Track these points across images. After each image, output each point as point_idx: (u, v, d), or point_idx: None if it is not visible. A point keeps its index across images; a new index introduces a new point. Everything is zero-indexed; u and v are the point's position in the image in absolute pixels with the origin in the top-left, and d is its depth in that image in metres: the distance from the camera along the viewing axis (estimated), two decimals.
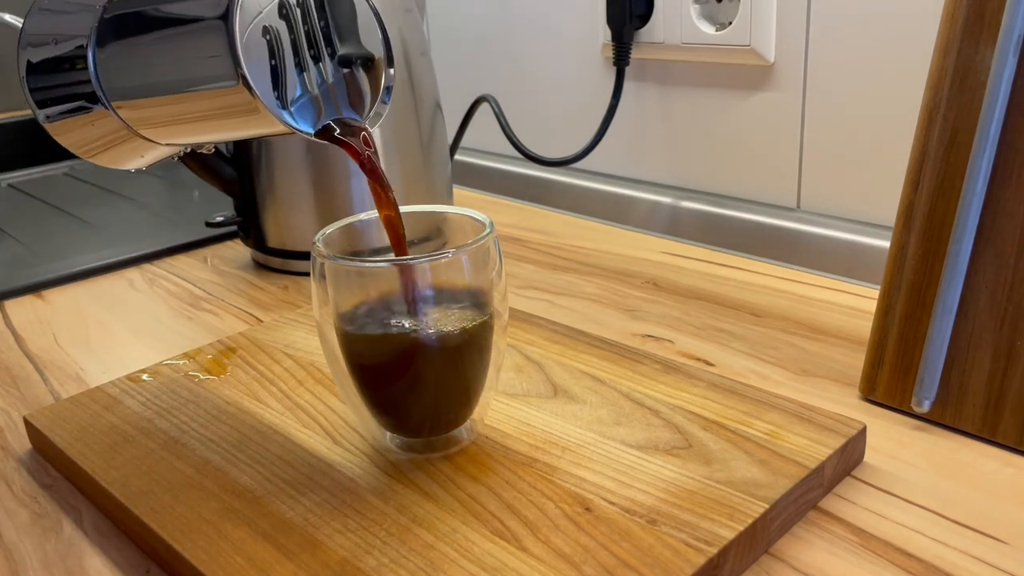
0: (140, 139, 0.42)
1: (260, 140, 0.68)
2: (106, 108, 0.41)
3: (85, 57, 0.40)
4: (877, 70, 0.65)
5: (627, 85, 0.81)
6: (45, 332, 0.63)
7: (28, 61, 0.43)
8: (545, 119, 0.92)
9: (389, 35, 0.40)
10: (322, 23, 0.37)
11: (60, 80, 0.42)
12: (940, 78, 0.44)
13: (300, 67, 0.37)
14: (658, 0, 0.76)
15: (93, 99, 0.41)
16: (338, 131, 0.38)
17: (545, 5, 0.87)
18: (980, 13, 0.42)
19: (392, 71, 0.40)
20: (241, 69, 0.34)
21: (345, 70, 0.39)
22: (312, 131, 0.37)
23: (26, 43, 0.43)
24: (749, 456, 0.40)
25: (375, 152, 0.39)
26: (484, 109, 0.84)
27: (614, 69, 0.79)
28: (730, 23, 0.72)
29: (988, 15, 0.42)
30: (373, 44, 0.40)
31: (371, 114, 0.40)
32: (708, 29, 0.73)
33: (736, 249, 0.71)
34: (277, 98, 0.36)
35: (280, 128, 0.36)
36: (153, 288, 0.70)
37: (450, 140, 0.81)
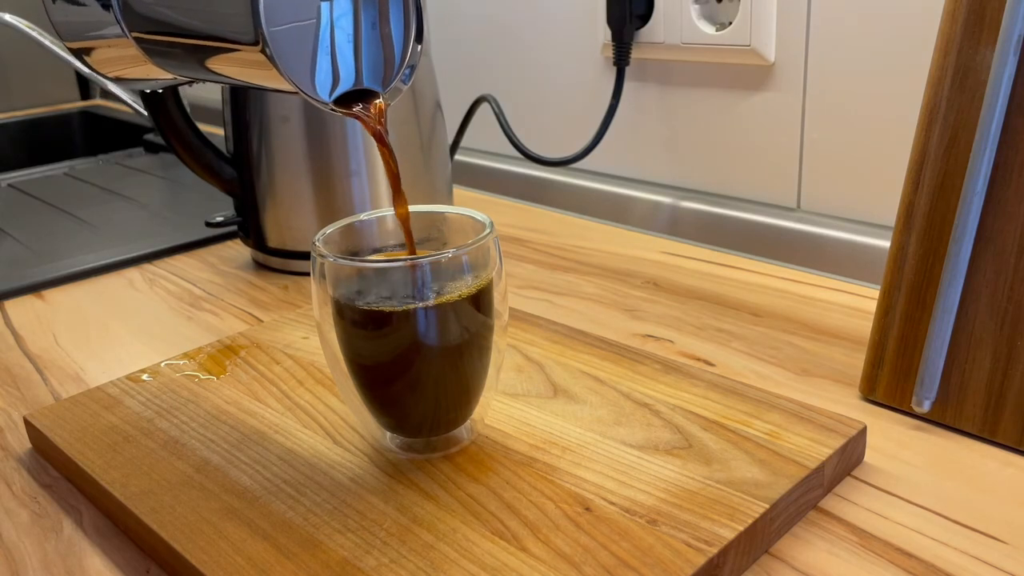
0: (152, 66, 0.42)
1: (260, 139, 0.68)
2: (125, 36, 0.41)
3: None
4: (877, 70, 0.65)
5: (627, 85, 0.81)
6: (45, 332, 0.63)
7: None
8: (545, 119, 0.92)
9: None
10: None
11: (82, 6, 0.43)
12: (940, 78, 0.44)
13: (322, 32, 0.36)
14: (658, 0, 0.76)
15: (114, 27, 0.41)
16: (353, 103, 0.37)
17: (545, 5, 0.87)
18: (980, 13, 0.42)
19: (420, 48, 0.39)
20: (261, 29, 0.34)
21: (371, 41, 0.38)
22: (328, 99, 0.36)
23: None
24: (749, 456, 0.40)
25: (386, 130, 0.39)
26: (484, 109, 0.84)
27: (614, 69, 0.79)
28: (730, 23, 0.72)
29: (988, 15, 0.42)
30: (405, 16, 0.39)
31: (391, 88, 0.39)
32: (708, 29, 0.73)
33: (736, 249, 0.71)
34: (296, 60, 0.35)
35: (291, 89, 0.36)
36: (153, 288, 0.70)
37: (450, 140, 0.81)
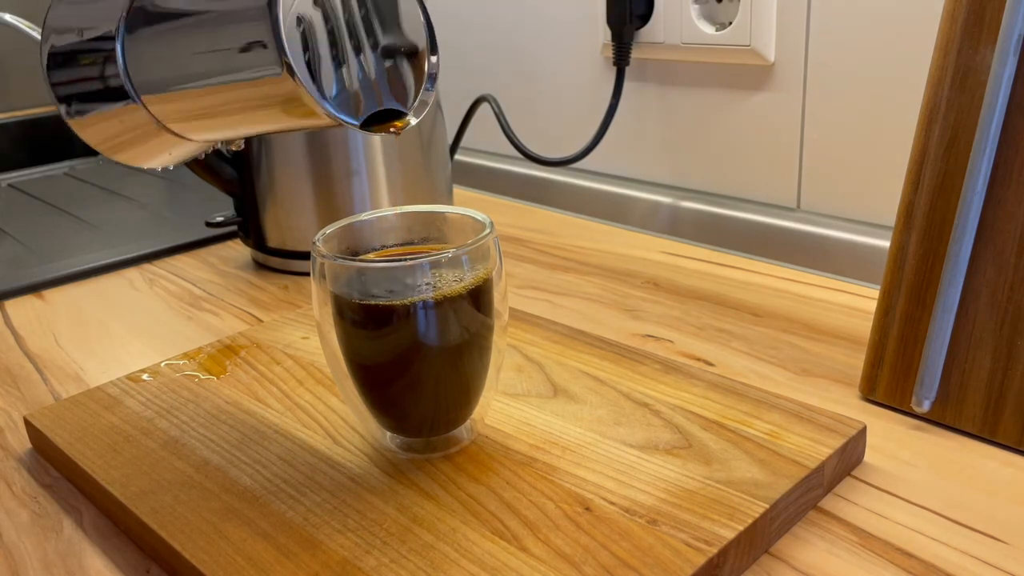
0: (168, 134, 0.41)
1: (260, 139, 0.68)
2: (135, 102, 0.40)
3: (113, 48, 0.39)
4: (877, 70, 0.65)
5: (627, 85, 0.81)
6: (45, 332, 0.63)
7: (51, 53, 0.41)
8: (545, 119, 0.92)
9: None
10: (362, 11, 0.36)
11: (85, 73, 0.41)
12: (940, 78, 0.44)
13: (339, 57, 0.35)
14: (658, 0, 0.76)
15: (121, 93, 0.40)
16: (381, 122, 0.37)
17: (545, 5, 0.87)
18: (980, 13, 0.42)
19: (435, 59, 0.39)
20: (286, 57, 0.33)
21: (387, 60, 0.37)
22: (357, 122, 0.36)
23: (49, 33, 0.42)
24: (749, 456, 0.40)
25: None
26: (484, 109, 0.84)
27: (614, 69, 0.79)
28: (730, 23, 0.72)
29: (988, 15, 0.42)
30: (416, 31, 0.39)
31: (416, 104, 0.39)
32: (708, 29, 0.73)
33: (736, 249, 0.71)
34: (318, 88, 0.35)
35: (321, 120, 0.35)
36: (153, 288, 0.70)
37: (450, 140, 0.81)
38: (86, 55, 0.40)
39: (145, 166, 0.45)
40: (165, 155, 0.44)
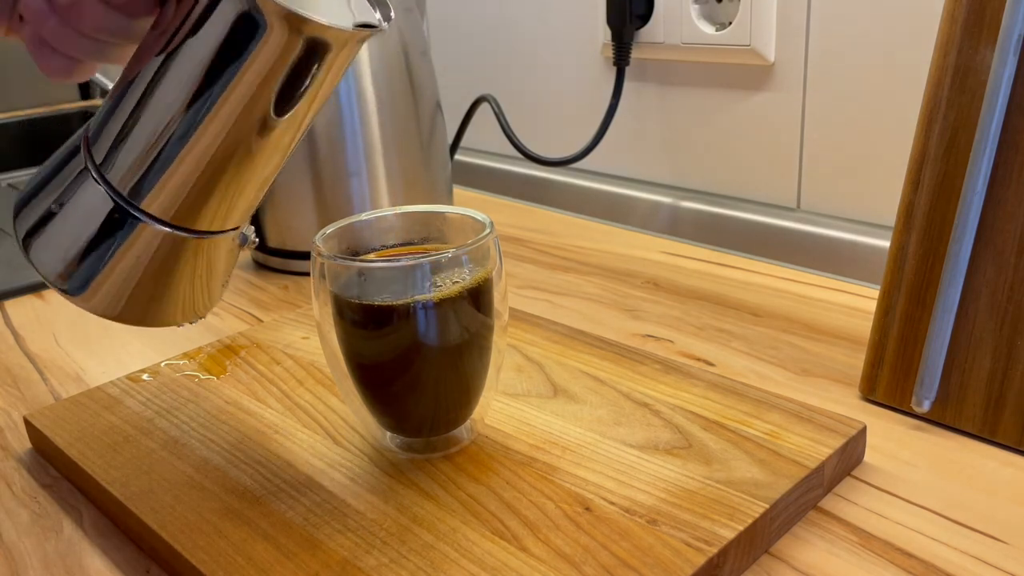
0: (186, 237, 0.35)
1: None
2: (135, 216, 0.34)
3: (87, 179, 0.35)
4: (877, 70, 0.65)
5: (627, 85, 0.81)
6: (45, 332, 0.63)
7: (26, 234, 0.37)
8: (545, 119, 0.92)
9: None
10: None
11: (67, 220, 0.36)
12: (940, 78, 0.44)
13: None
14: (658, 0, 0.76)
15: (115, 218, 0.35)
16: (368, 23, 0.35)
17: (545, 5, 0.87)
18: (980, 13, 0.42)
19: None
20: None
21: None
22: (351, 26, 0.33)
23: (21, 219, 0.38)
24: (749, 456, 0.40)
25: None
26: (484, 109, 0.84)
27: (614, 69, 0.79)
28: (730, 23, 0.72)
29: (988, 15, 0.42)
30: None
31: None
32: (708, 29, 0.73)
33: (736, 249, 0.71)
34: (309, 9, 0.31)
35: (324, 55, 0.32)
36: None
37: (450, 140, 0.81)
38: (63, 207, 0.36)
39: (184, 316, 0.38)
40: (198, 282, 0.38)
